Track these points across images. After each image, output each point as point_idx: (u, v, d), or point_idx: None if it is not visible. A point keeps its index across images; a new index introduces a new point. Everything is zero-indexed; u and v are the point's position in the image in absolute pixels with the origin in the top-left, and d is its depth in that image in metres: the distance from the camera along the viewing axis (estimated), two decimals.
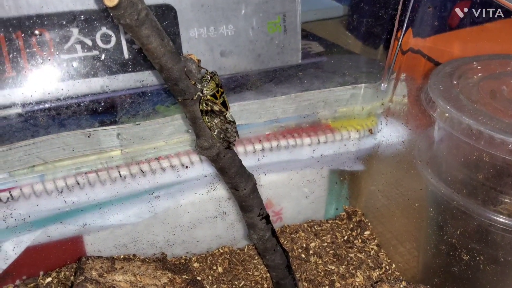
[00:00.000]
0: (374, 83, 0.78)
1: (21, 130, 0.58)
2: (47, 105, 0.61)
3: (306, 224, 0.83)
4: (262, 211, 0.61)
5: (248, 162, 0.72)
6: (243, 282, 0.73)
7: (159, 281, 0.65)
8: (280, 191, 0.79)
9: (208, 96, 0.50)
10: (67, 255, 0.71)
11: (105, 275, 0.61)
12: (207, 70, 0.51)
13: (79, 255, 0.70)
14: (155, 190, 0.67)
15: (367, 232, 0.81)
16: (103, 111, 0.63)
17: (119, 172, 0.64)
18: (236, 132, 0.56)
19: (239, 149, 0.72)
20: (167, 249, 0.75)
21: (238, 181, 0.58)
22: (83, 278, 0.58)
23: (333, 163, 0.79)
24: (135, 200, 0.67)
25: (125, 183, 0.64)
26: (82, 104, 0.60)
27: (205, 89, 0.50)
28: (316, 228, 0.82)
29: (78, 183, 0.62)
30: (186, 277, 0.68)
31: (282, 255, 0.66)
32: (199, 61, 0.51)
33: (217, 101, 0.51)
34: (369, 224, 0.83)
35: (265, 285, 0.74)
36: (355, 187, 0.85)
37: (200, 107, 0.51)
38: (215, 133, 0.53)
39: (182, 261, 0.76)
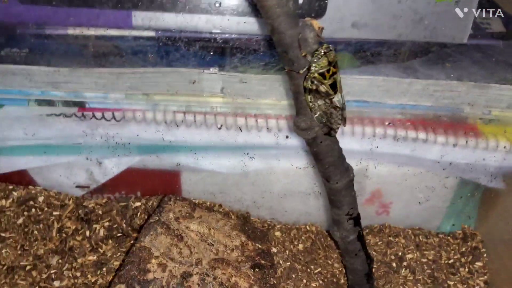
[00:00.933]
0: None
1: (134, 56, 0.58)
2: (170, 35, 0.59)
3: (411, 230, 0.74)
4: (353, 210, 0.55)
5: (358, 146, 0.64)
6: (319, 269, 0.69)
7: (231, 241, 0.64)
8: (390, 186, 0.70)
9: (315, 74, 0.43)
10: (164, 186, 0.73)
11: (180, 220, 0.62)
12: (324, 43, 0.43)
13: (175, 190, 0.73)
14: (250, 150, 0.64)
15: (479, 263, 0.69)
16: (217, 54, 0.60)
17: (218, 120, 0.62)
18: (343, 119, 0.49)
19: (355, 130, 0.65)
20: (253, 209, 0.73)
21: (331, 173, 0.52)
22: (156, 219, 0.59)
23: (463, 174, 0.67)
24: (229, 153, 0.66)
25: (221, 133, 0.62)
26: (201, 41, 0.57)
27: (313, 65, 0.43)
28: (421, 239, 0.72)
29: (178, 122, 0.62)
30: (260, 246, 0.66)
31: (364, 262, 0.59)
32: (321, 29, 0.44)
33: (325, 82, 0.44)
34: (485, 255, 0.70)
35: (342, 281, 0.68)
36: (484, 206, 0.72)
37: (305, 83, 0.44)
38: (316, 115, 0.47)
39: (266, 225, 0.74)
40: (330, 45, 0.43)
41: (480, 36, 0.77)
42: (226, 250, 0.62)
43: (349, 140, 0.64)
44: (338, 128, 0.49)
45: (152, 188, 0.74)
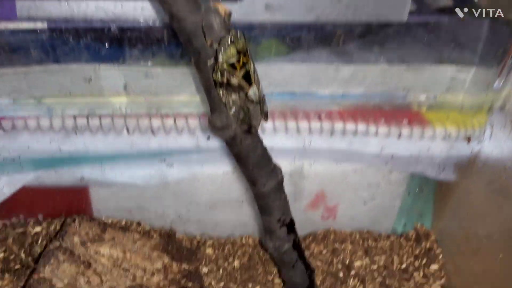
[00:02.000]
0: (490, 68, 0.66)
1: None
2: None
3: (359, 234, 0.77)
4: (285, 216, 0.57)
5: (291, 143, 0.67)
6: (257, 287, 0.71)
7: (152, 264, 0.65)
8: (332, 187, 0.74)
9: (224, 65, 0.45)
10: (70, 206, 0.73)
11: (88, 244, 0.62)
12: (232, 29, 0.45)
13: (83, 210, 0.73)
14: (167, 156, 0.66)
15: (434, 266, 0.74)
16: (113, 45, 0.60)
17: (124, 123, 0.62)
18: (264, 113, 0.51)
19: (288, 125, 0.67)
20: (179, 225, 0.75)
21: (256, 175, 0.54)
22: (58, 245, 0.59)
23: (407, 168, 0.71)
24: (143, 162, 0.67)
25: (131, 138, 0.63)
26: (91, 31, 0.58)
27: (220, 54, 0.45)
28: (370, 243, 0.76)
29: (76, 128, 0.62)
30: (187, 267, 0.67)
31: (303, 274, 0.62)
32: (228, 14, 0.46)
33: (236, 73, 0.46)
34: (440, 256, 0.75)
35: None
36: (438, 202, 0.77)
37: (214, 76, 0.46)
38: (232, 112, 0.49)
39: (195, 242, 0.75)
40: (239, 32, 0.45)
41: (424, 12, 0.82)
42: (145, 274, 0.63)
43: (281, 138, 0.67)
44: (258, 124, 0.51)
45: (56, 209, 0.74)
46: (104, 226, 0.66)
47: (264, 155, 0.54)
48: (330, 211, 0.78)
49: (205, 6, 0.45)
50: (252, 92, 0.48)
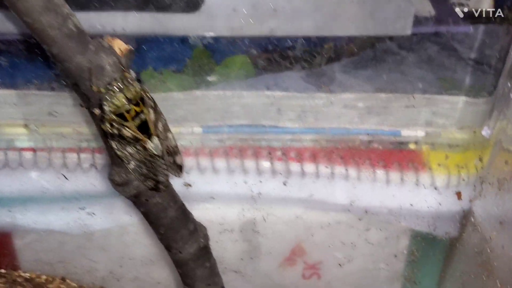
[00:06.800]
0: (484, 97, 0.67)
1: None
2: None
3: None
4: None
5: (239, 189, 0.69)
6: None
7: None
8: (312, 241, 0.75)
9: (111, 115, 0.48)
10: None
11: None
12: (127, 72, 0.48)
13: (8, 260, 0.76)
14: (85, 202, 0.69)
15: None
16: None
17: (26, 160, 0.66)
18: (177, 166, 0.53)
19: (231, 165, 0.69)
20: (112, 282, 0.77)
21: (170, 239, 0.56)
22: None
23: (390, 221, 0.72)
24: (57, 208, 0.69)
25: (36, 178, 0.67)
26: None
27: (105, 103, 0.47)
28: None
29: None
30: None
31: None
32: (128, 52, 0.49)
33: (127, 124, 0.48)
34: None
35: None
36: (433, 264, 0.77)
37: (103, 126, 0.49)
38: (131, 166, 0.51)
39: None
40: (133, 75, 0.48)
41: (443, 19, 0.79)
42: None
43: (226, 182, 0.69)
44: (167, 179, 0.53)
45: None
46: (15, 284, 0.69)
47: (180, 216, 0.56)
48: (311, 268, 0.79)
49: (94, 44, 0.47)
50: (153, 145, 0.50)
